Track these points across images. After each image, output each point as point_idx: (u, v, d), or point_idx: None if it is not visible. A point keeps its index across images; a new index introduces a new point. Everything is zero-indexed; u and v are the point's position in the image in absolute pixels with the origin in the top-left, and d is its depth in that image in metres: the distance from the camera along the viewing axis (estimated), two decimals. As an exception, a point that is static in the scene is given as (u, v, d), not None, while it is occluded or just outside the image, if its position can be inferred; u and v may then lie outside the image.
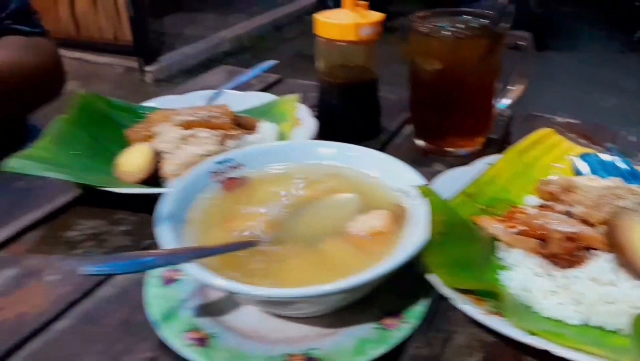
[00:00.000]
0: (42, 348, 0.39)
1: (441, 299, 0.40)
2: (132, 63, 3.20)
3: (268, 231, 0.40)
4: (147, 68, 3.16)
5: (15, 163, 0.51)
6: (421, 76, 0.60)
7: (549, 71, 2.83)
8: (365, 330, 0.37)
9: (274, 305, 0.37)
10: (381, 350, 0.36)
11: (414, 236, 0.37)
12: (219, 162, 0.47)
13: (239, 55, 3.43)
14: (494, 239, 0.44)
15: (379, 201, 0.42)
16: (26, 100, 0.68)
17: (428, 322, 0.39)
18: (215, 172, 0.46)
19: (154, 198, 0.52)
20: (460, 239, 0.41)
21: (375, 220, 0.39)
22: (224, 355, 0.36)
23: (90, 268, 0.33)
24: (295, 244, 0.39)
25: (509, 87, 0.63)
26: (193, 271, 0.34)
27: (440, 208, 0.38)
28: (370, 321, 0.38)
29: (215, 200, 0.44)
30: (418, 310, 0.39)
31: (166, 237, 0.37)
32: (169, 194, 0.41)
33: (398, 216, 0.40)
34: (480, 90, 0.59)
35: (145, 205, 0.53)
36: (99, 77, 3.17)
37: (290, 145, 0.52)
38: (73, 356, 0.39)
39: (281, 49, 3.61)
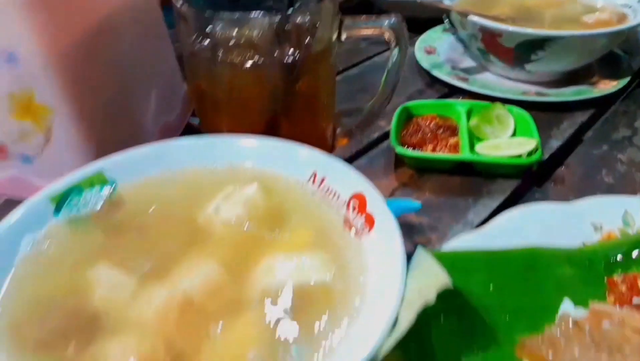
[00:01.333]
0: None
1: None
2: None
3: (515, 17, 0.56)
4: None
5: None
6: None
7: None
8: (581, 87, 0.53)
9: (528, 49, 0.52)
10: (595, 95, 0.51)
11: (635, 22, 0.51)
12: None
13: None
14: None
15: (602, 10, 0.56)
16: None
17: (628, 93, 0.53)
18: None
19: None
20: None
21: (602, 15, 0.54)
22: (481, 83, 0.54)
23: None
24: (539, 24, 0.55)
25: None
26: (475, 17, 0.52)
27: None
28: (584, 84, 0.54)
29: None
30: (624, 80, 0.53)
31: None
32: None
33: (620, 18, 0.54)
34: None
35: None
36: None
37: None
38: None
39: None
